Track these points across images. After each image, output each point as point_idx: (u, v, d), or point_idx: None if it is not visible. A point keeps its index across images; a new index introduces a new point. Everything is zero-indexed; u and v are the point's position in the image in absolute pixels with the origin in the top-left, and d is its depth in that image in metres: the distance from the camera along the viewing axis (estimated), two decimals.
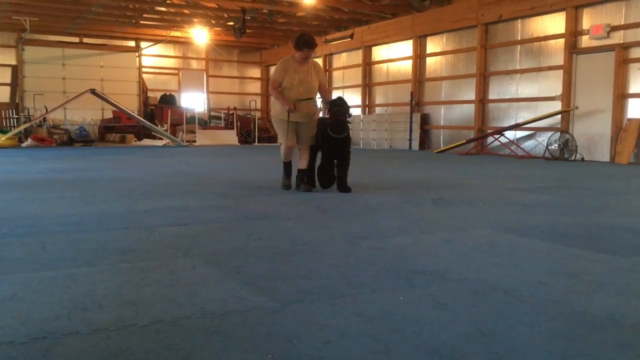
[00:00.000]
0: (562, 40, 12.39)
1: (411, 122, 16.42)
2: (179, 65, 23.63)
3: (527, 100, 13.39)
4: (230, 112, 20.83)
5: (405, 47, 17.11)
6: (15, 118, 19.63)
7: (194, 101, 23.35)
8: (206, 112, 22.67)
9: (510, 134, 13.52)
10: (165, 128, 19.35)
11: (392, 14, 17.05)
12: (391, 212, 4.99)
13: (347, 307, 2.37)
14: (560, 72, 12.41)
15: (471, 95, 14.87)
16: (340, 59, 20.38)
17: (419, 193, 6.29)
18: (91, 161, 11.14)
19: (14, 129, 17.87)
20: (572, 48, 12.16)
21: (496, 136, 13.42)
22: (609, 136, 11.52)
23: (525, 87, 13.50)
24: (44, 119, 18.32)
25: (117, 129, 19.98)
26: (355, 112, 18.70)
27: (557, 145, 12.05)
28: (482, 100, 14.54)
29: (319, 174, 6.58)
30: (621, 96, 11.29)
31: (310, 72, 6.29)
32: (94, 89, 17.47)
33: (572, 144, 11.84)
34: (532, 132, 13.26)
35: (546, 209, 5.20)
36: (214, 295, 2.53)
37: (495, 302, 2.45)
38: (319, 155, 6.53)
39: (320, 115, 6.64)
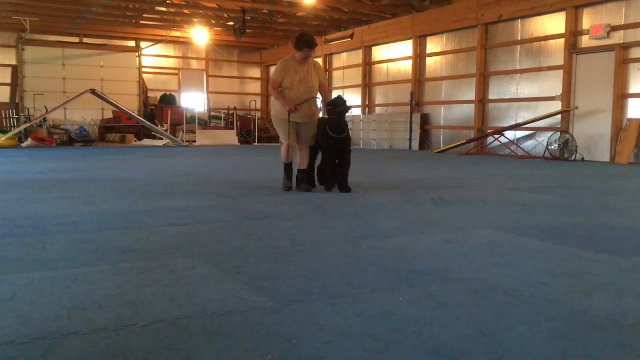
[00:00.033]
0: (562, 41, 12.39)
1: (411, 122, 16.43)
2: (179, 65, 23.64)
3: (527, 101, 13.39)
4: (231, 112, 20.83)
5: (406, 47, 17.11)
6: (16, 118, 19.64)
7: (194, 101, 23.36)
8: (206, 112, 22.68)
9: (511, 134, 13.52)
10: (165, 128, 19.36)
11: (392, 14, 17.05)
12: (391, 212, 4.99)
13: (347, 307, 2.37)
14: (561, 72, 12.41)
15: (471, 95, 14.87)
16: (341, 59, 20.39)
17: (419, 193, 6.29)
18: (91, 161, 11.14)
19: (14, 129, 17.87)
20: (573, 48, 12.16)
21: (496, 136, 13.42)
22: (609, 136, 11.52)
23: (525, 87, 13.50)
24: (44, 119, 18.33)
25: (117, 129, 19.99)
26: (356, 112, 18.72)
27: (557, 145, 12.05)
28: (482, 101, 14.54)
29: (319, 174, 6.58)
30: (621, 96, 11.29)
31: (310, 72, 6.28)
32: (94, 89, 17.48)
33: (572, 144, 11.84)
34: (532, 132, 13.26)
35: (546, 209, 5.20)
36: (214, 295, 2.53)
37: (495, 302, 2.45)
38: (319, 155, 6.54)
39: (321, 115, 6.64)
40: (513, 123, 13.54)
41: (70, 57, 21.08)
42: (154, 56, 22.93)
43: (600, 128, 11.71)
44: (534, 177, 8.29)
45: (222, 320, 2.21)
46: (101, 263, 3.09)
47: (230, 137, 19.16)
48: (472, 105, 14.82)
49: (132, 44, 22.27)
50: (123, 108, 18.26)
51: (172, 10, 18.24)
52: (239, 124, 20.07)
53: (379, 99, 18.66)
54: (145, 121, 19.09)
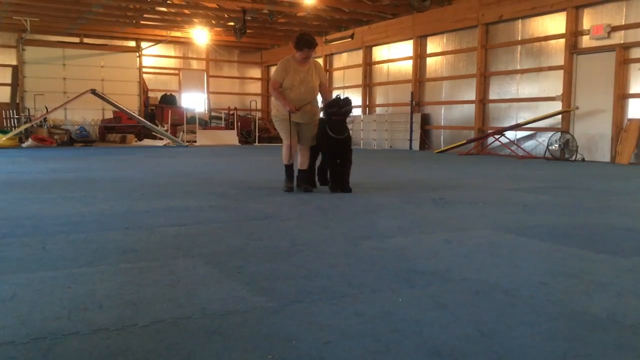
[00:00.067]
0: (562, 41, 12.39)
1: (411, 122, 16.43)
2: (180, 65, 23.65)
3: (528, 101, 13.39)
4: (231, 112, 20.83)
5: (406, 47, 17.11)
6: (16, 118, 19.64)
7: (194, 101, 23.37)
8: (206, 112, 22.69)
9: (511, 134, 13.52)
10: (165, 128, 19.36)
11: (392, 14, 17.06)
12: (391, 212, 4.99)
13: (348, 307, 2.37)
14: (561, 72, 12.41)
15: (471, 95, 14.87)
16: (341, 59, 20.39)
17: (420, 193, 6.29)
18: (91, 161, 11.14)
19: (15, 129, 17.88)
20: (573, 48, 12.16)
21: (496, 136, 13.42)
22: (610, 136, 11.52)
23: (525, 87, 13.50)
24: (45, 119, 18.34)
25: (117, 129, 19.99)
26: (356, 112, 18.72)
27: (557, 145, 12.05)
28: (482, 101, 14.54)
29: (319, 174, 6.58)
30: (622, 96, 11.29)
31: (311, 71, 6.27)
32: (95, 89, 17.48)
33: (572, 144, 11.83)
34: (532, 132, 13.26)
35: (546, 209, 5.20)
36: (214, 295, 2.53)
37: (495, 303, 2.45)
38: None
39: (321, 115, 6.63)
40: (513, 123, 13.54)
41: (71, 57, 21.09)
42: (155, 56, 22.94)
43: (601, 128, 11.70)
44: (534, 177, 8.29)
45: (222, 320, 2.21)
46: (101, 263, 3.09)
47: (231, 137, 19.16)
48: (473, 105, 14.82)
49: (133, 44, 22.27)
50: (123, 108, 18.27)
51: (173, 11, 18.25)
52: (239, 124, 20.07)
53: (379, 99, 18.66)
54: (146, 121, 19.10)
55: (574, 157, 11.75)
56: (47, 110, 18.10)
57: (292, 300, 2.46)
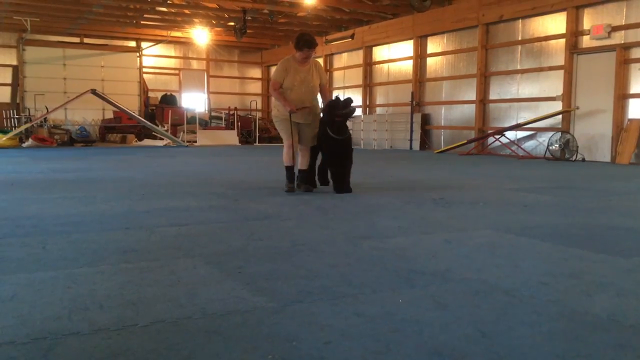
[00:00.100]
0: (562, 41, 12.39)
1: (412, 123, 16.43)
2: (180, 65, 23.65)
3: (528, 101, 13.39)
4: (231, 112, 20.84)
5: (406, 47, 17.11)
6: (16, 118, 19.65)
7: (194, 101, 23.37)
8: (207, 112, 22.68)
9: (511, 134, 13.52)
10: (165, 128, 19.36)
11: (392, 14, 17.06)
12: (392, 212, 4.99)
13: (348, 307, 2.37)
14: (561, 72, 12.41)
15: (472, 95, 14.86)
16: (341, 59, 20.39)
17: (420, 193, 6.29)
18: (92, 161, 11.14)
19: (15, 129, 17.88)
20: (573, 48, 12.16)
21: (497, 136, 13.42)
22: (610, 136, 11.52)
23: (526, 88, 13.50)
24: (45, 119, 18.34)
25: (117, 129, 20.00)
26: (356, 112, 18.68)
27: (557, 145, 12.04)
28: (482, 101, 14.53)
29: (319, 175, 6.58)
30: (622, 96, 11.28)
31: (311, 71, 6.26)
32: (95, 89, 17.48)
33: (572, 144, 11.83)
34: (532, 132, 13.25)
35: (547, 210, 5.20)
36: (214, 295, 2.53)
37: (495, 303, 2.45)
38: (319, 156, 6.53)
39: (321, 115, 6.63)
40: (514, 123, 13.54)
41: (71, 57, 21.10)
42: (155, 56, 22.94)
43: (601, 128, 11.70)
44: (534, 177, 8.29)
45: (223, 320, 2.21)
46: (102, 263, 3.09)
47: (231, 137, 19.16)
48: (473, 106, 14.82)
49: (133, 44, 22.28)
50: (124, 108, 18.27)
51: (173, 11, 18.25)
52: (239, 124, 20.07)
53: (379, 99, 18.66)
54: (146, 121, 19.10)
55: (574, 157, 11.75)
56: (48, 110, 18.11)
57: (293, 301, 2.46)
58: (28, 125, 17.66)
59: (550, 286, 2.71)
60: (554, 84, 12.69)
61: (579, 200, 5.89)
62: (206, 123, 21.04)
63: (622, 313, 2.33)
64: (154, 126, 18.99)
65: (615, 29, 11.36)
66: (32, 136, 17.04)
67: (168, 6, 17.28)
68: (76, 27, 19.80)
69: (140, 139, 19.45)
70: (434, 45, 16.24)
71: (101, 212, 4.87)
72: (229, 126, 20.25)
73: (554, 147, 12.10)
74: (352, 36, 18.92)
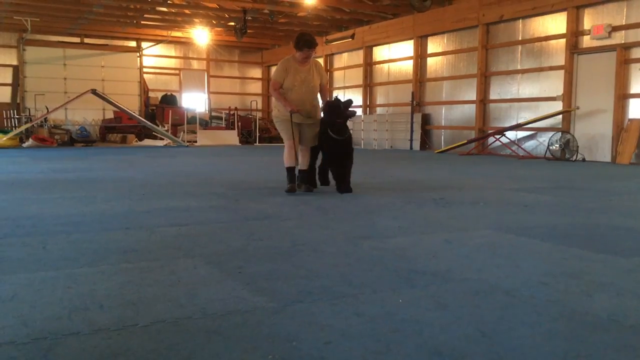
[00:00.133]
0: (563, 41, 12.39)
1: (412, 123, 16.43)
2: (180, 65, 23.66)
3: (528, 101, 13.39)
4: (231, 112, 20.84)
5: (406, 47, 17.10)
6: (17, 118, 19.66)
7: (195, 101, 23.37)
8: (207, 112, 22.68)
9: (511, 134, 13.51)
10: (166, 128, 19.37)
11: (393, 14, 17.06)
12: (392, 212, 4.99)
13: (348, 307, 2.37)
14: (562, 72, 12.41)
15: (472, 95, 14.86)
16: (341, 59, 20.39)
17: (420, 193, 6.29)
18: (92, 161, 11.15)
19: (15, 129, 17.89)
20: (573, 48, 12.15)
21: (497, 136, 13.41)
22: (610, 136, 11.51)
23: (526, 87, 13.50)
24: (45, 119, 18.34)
25: (118, 129, 20.00)
26: (357, 112, 18.71)
27: (558, 145, 12.04)
28: (483, 101, 14.53)
29: (320, 175, 6.58)
30: (622, 96, 11.28)
31: (311, 71, 6.26)
32: (95, 89, 17.49)
33: (573, 144, 11.83)
34: (533, 132, 13.25)
35: (547, 210, 5.20)
36: (214, 295, 2.53)
37: (496, 303, 2.45)
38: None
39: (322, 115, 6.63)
40: (514, 123, 13.54)
41: (71, 57, 21.10)
42: (155, 56, 22.95)
43: (601, 128, 11.70)
44: (534, 177, 8.29)
45: (223, 320, 2.21)
46: (102, 263, 3.09)
47: (231, 137, 19.17)
48: (473, 105, 14.82)
49: (133, 44, 22.28)
50: (124, 108, 18.27)
51: (173, 11, 18.25)
52: (239, 124, 20.08)
53: (379, 99, 18.66)
54: (146, 121, 19.10)
55: (574, 157, 11.75)
56: (48, 110, 18.11)
57: (293, 301, 2.46)
58: (28, 125, 17.67)
59: (550, 286, 2.71)
60: (554, 84, 12.69)
61: (579, 200, 5.89)
62: (206, 123, 21.04)
63: (622, 313, 2.33)
64: (154, 126, 18.99)
65: (616, 29, 11.36)
66: (32, 136, 17.04)
67: (168, 6, 17.29)
68: (76, 27, 19.81)
69: (140, 139, 19.45)
70: (434, 45, 16.24)
71: (101, 212, 4.87)
72: (230, 126, 20.26)
73: (554, 147, 12.10)
74: (352, 36, 18.92)
